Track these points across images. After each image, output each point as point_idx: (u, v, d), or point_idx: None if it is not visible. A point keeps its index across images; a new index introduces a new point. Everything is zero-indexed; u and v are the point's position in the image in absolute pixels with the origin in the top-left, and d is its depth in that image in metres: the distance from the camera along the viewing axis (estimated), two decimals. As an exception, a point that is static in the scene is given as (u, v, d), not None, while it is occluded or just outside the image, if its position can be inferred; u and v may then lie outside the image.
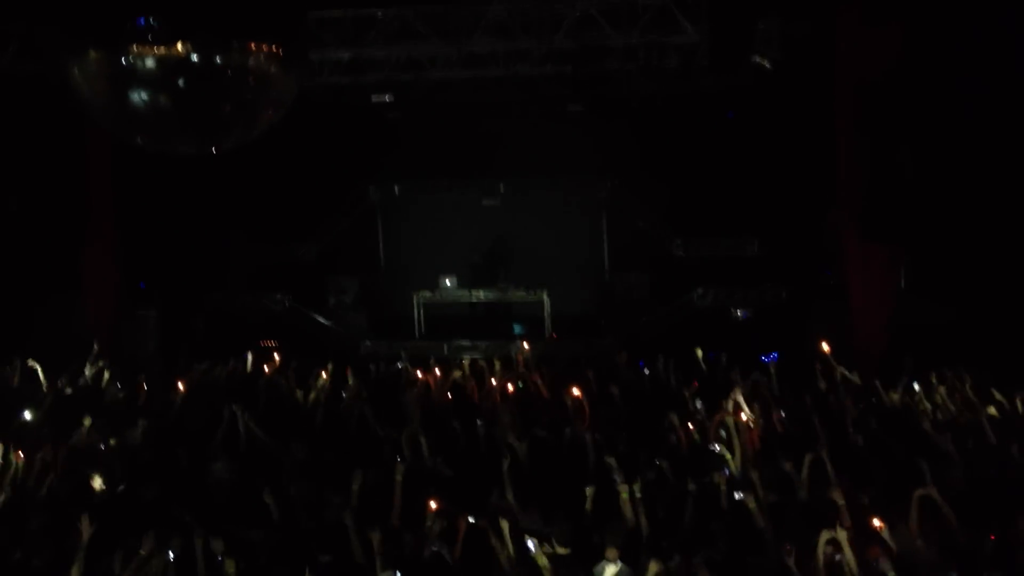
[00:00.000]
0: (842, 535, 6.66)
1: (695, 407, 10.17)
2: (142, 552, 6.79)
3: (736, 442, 8.91)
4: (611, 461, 8.00)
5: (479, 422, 9.69)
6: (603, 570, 6.96)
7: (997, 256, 14.21)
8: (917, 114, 13.71)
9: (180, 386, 12.02)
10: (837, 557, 6.57)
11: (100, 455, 9.44)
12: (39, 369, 12.29)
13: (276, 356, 14.19)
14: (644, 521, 7.49)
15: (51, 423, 10.27)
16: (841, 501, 7.21)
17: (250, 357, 13.59)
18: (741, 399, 10.02)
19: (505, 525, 7.06)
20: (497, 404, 10.91)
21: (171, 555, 6.83)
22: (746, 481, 7.96)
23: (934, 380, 10.95)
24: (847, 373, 11.55)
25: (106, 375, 12.76)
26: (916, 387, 10.69)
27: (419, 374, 12.63)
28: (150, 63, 7.80)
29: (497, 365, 12.51)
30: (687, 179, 18.63)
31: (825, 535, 6.68)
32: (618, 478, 7.75)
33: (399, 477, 7.85)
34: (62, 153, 15.57)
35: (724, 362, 12.16)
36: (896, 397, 10.61)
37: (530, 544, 6.75)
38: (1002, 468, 8.39)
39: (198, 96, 8.03)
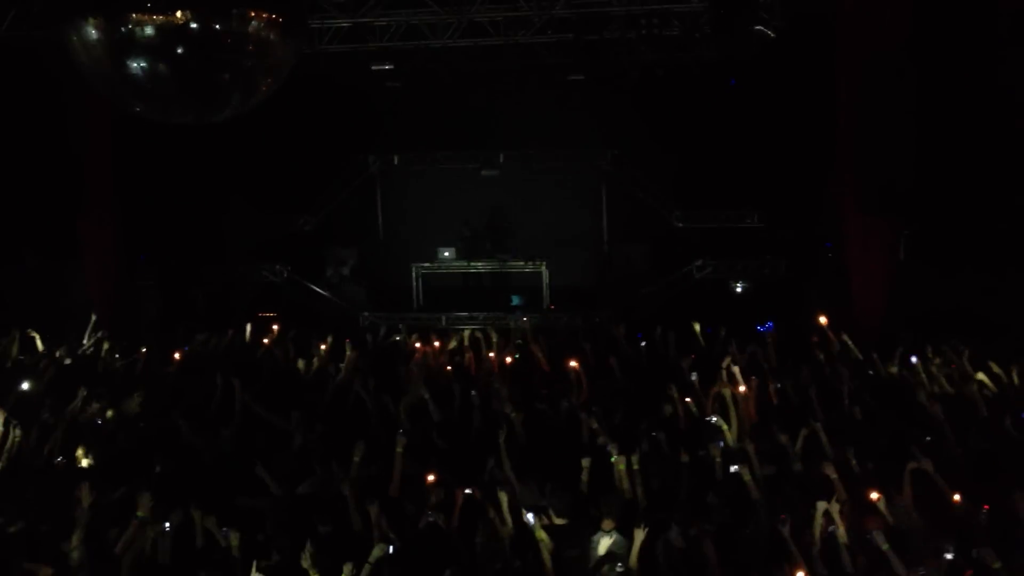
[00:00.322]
0: (835, 508, 6.70)
1: (691, 379, 10.18)
2: (140, 513, 6.83)
3: (732, 414, 8.93)
4: (604, 437, 8.04)
5: (473, 394, 9.72)
6: (599, 541, 7.00)
7: (997, 229, 14.21)
8: (919, 85, 13.65)
9: (178, 357, 12.07)
10: (831, 528, 6.60)
11: (96, 427, 9.44)
12: (38, 339, 12.31)
13: (275, 327, 14.22)
14: (641, 492, 7.53)
15: (50, 394, 10.28)
16: (834, 476, 7.23)
17: (249, 328, 13.63)
18: (737, 371, 10.03)
19: (504, 497, 7.10)
20: (495, 376, 10.93)
21: (167, 526, 6.86)
22: (742, 453, 8.00)
23: (931, 354, 10.96)
24: (848, 342, 11.55)
25: (105, 345, 12.80)
26: (914, 360, 10.69)
27: (417, 346, 12.63)
28: (149, 31, 7.74)
29: (494, 336, 12.52)
30: (688, 150, 18.58)
31: (821, 507, 6.72)
32: (613, 451, 7.78)
33: (400, 449, 7.88)
34: (60, 121, 15.51)
35: (722, 335, 12.17)
36: (894, 370, 10.62)
37: (529, 518, 6.78)
38: (996, 440, 8.43)
39: (197, 64, 7.97)
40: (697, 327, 12.23)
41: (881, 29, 13.24)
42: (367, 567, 6.15)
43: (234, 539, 6.63)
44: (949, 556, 6.12)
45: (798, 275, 17.04)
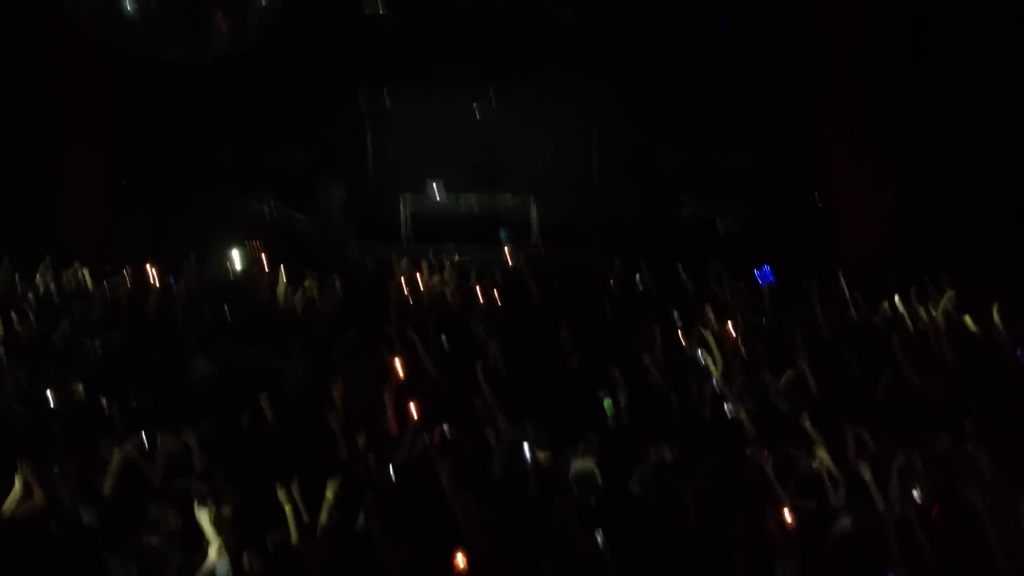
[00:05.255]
0: (822, 452, 6.76)
1: (679, 318, 10.23)
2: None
3: (717, 353, 8.98)
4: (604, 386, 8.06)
5: (457, 331, 9.77)
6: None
7: (987, 173, 14.21)
8: (912, 28, 13.59)
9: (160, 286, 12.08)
10: (814, 464, 6.68)
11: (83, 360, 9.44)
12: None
13: (263, 259, 14.21)
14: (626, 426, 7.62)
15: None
16: (807, 424, 7.25)
17: (237, 260, 13.61)
18: (710, 312, 10.03)
19: (491, 435, 7.17)
20: (481, 310, 10.95)
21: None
22: (728, 391, 8.07)
23: (915, 296, 10.98)
24: (842, 281, 11.54)
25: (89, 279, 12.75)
26: (899, 304, 10.72)
27: (403, 279, 12.59)
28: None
29: (470, 273, 12.48)
30: (679, 91, 18.45)
31: (821, 454, 6.80)
32: (601, 391, 7.83)
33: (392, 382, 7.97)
34: (48, 53, 15.36)
35: (713, 275, 12.22)
36: (883, 311, 10.68)
37: (525, 447, 6.83)
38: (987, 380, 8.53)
39: (187, 3, 7.88)
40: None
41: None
42: (369, 492, 6.17)
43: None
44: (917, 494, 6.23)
45: (788, 217, 17.03)
